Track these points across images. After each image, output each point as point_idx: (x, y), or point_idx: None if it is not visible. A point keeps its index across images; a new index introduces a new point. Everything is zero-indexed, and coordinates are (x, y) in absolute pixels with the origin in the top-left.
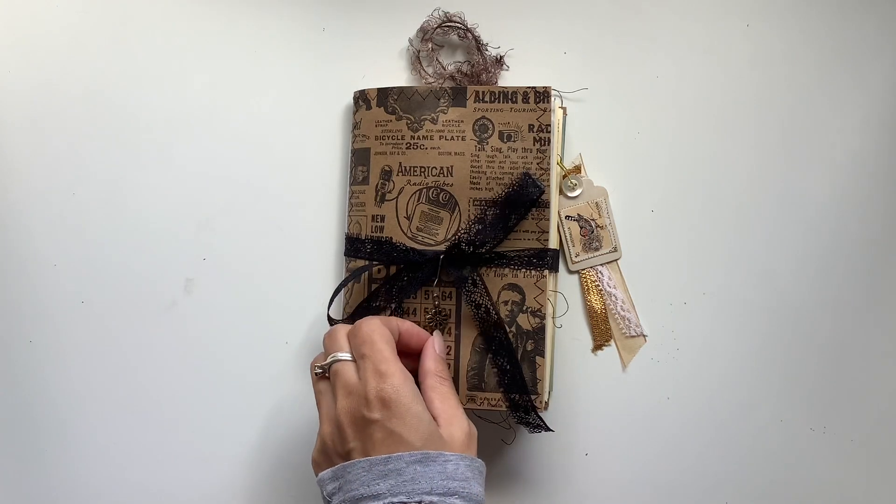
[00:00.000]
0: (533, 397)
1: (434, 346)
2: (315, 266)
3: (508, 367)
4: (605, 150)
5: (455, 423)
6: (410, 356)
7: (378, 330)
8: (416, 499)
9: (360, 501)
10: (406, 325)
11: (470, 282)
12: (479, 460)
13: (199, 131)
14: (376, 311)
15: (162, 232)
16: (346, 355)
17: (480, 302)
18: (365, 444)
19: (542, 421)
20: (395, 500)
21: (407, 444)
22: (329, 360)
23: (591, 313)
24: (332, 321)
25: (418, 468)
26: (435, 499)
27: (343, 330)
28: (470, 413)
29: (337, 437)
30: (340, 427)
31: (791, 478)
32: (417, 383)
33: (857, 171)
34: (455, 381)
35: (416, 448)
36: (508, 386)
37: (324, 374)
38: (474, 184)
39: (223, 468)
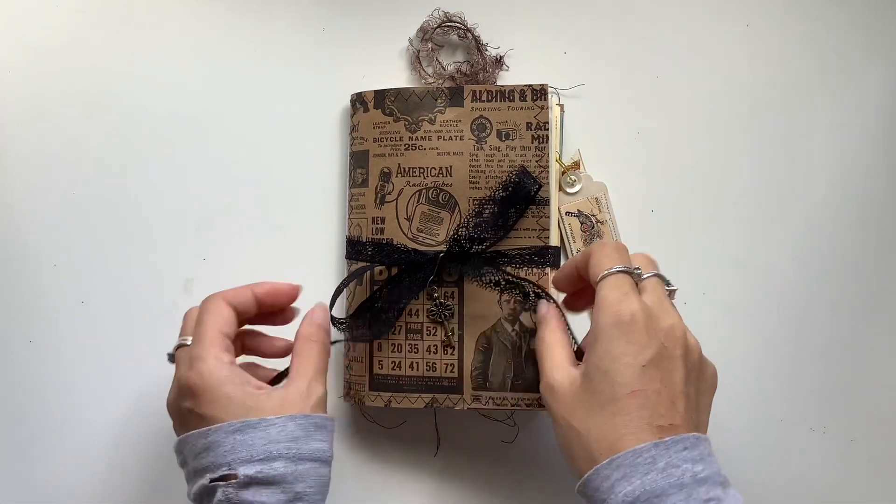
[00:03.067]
0: (536, 396)
1: (314, 314)
2: (316, 267)
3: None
4: (605, 151)
5: (296, 383)
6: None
7: (211, 308)
8: (234, 469)
9: (195, 474)
10: (263, 288)
11: (477, 274)
12: (320, 416)
13: (199, 131)
14: (378, 312)
15: (162, 232)
16: (186, 339)
17: (498, 278)
18: (186, 428)
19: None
20: (216, 473)
21: (221, 422)
22: (176, 343)
23: None
24: (334, 322)
25: (237, 437)
26: (256, 467)
27: (195, 311)
28: (474, 413)
29: (173, 426)
30: (171, 416)
31: (791, 478)
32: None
33: (857, 171)
34: (459, 381)
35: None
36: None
37: (171, 359)
38: (474, 183)
39: None
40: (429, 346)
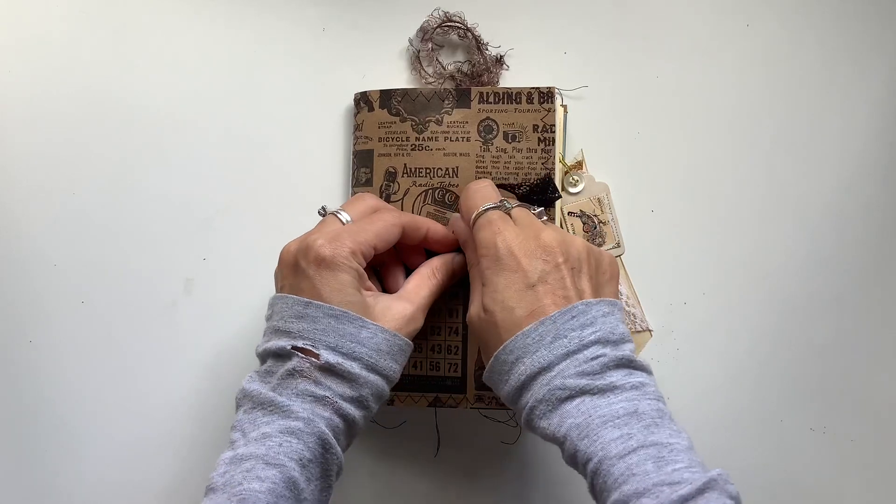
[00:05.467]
0: None
1: (453, 258)
2: None
3: None
4: (604, 150)
5: (401, 302)
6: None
7: (388, 221)
8: (318, 349)
9: (276, 333)
10: (437, 231)
11: None
12: (406, 341)
13: (199, 131)
14: None
15: (162, 232)
16: (345, 215)
17: None
18: (293, 287)
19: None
20: (298, 342)
21: (325, 301)
22: (332, 210)
23: None
24: None
25: (332, 322)
26: (335, 357)
27: (372, 202)
28: (475, 413)
29: (278, 272)
30: (281, 263)
31: (791, 478)
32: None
33: (858, 171)
34: (462, 381)
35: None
36: None
37: (322, 214)
38: None
39: None
40: (433, 346)
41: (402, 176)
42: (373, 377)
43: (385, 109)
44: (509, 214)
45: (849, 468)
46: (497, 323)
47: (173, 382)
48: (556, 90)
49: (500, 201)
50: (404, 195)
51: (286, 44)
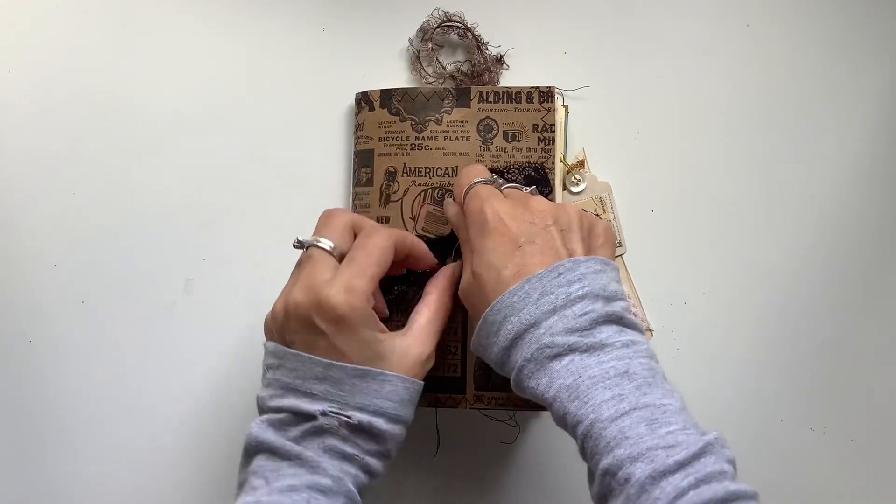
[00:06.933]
0: None
1: (454, 271)
2: None
3: None
4: (604, 150)
5: (418, 342)
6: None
7: (384, 246)
8: (347, 412)
9: (291, 392)
10: (420, 249)
11: None
12: (420, 383)
13: (199, 131)
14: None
15: (162, 232)
16: (326, 243)
17: None
18: (307, 344)
19: None
20: (325, 407)
21: (347, 360)
22: (311, 240)
23: None
24: None
25: (357, 382)
26: (364, 416)
27: (346, 218)
28: (475, 413)
29: (283, 323)
30: (288, 316)
31: (791, 478)
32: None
33: (858, 171)
34: (462, 381)
35: (357, 364)
36: None
37: (299, 247)
38: None
39: (223, 468)
40: None
41: (402, 175)
42: (397, 428)
43: (385, 109)
44: (501, 192)
45: (849, 468)
46: (484, 284)
47: (173, 382)
48: (557, 90)
49: (493, 178)
50: (404, 195)
51: (286, 44)
